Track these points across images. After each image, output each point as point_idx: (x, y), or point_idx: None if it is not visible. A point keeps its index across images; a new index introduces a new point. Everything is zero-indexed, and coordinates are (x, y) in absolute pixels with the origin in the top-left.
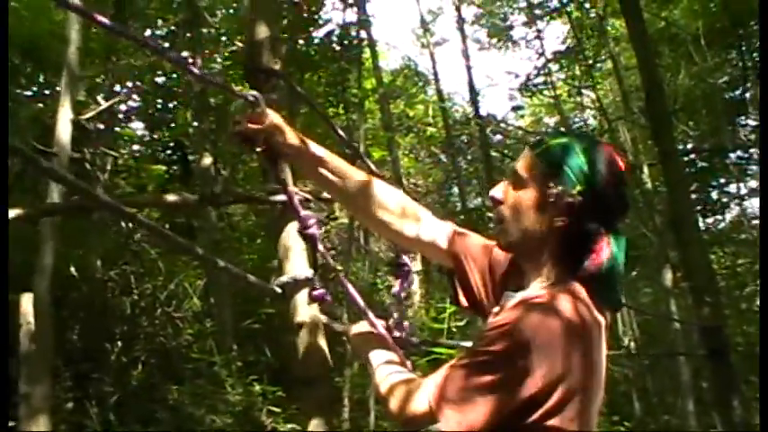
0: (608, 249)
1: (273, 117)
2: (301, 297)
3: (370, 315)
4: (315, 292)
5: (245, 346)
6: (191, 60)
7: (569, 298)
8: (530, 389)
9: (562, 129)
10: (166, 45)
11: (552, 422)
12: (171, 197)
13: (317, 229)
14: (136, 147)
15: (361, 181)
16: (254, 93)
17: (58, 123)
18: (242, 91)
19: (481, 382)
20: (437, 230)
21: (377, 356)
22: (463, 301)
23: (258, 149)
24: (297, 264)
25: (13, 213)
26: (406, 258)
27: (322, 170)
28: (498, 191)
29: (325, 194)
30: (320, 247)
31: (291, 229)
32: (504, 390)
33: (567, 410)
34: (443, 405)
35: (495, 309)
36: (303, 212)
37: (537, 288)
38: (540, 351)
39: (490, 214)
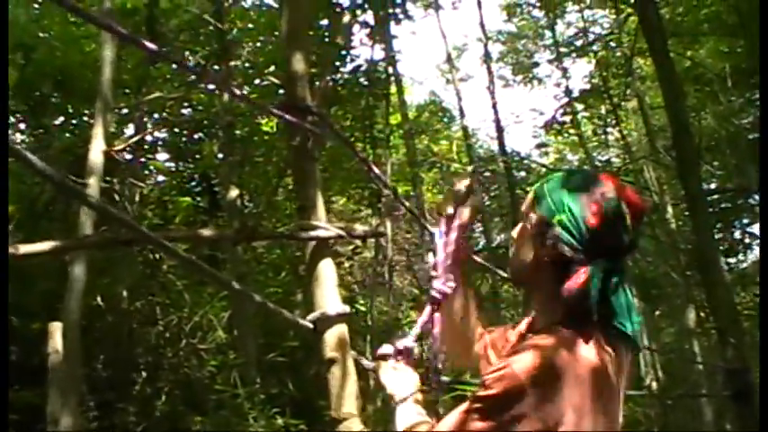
0: (583, 279)
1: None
2: (332, 332)
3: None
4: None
5: (269, 379)
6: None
7: (568, 338)
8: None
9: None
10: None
11: None
12: (207, 232)
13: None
14: (161, 177)
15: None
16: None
17: (90, 153)
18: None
19: (476, 430)
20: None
21: (401, 393)
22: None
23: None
24: (329, 299)
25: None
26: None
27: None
28: (515, 230)
29: (357, 230)
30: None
31: (324, 265)
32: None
33: None
34: None
35: None
36: (445, 275)
37: (541, 326)
38: (535, 395)
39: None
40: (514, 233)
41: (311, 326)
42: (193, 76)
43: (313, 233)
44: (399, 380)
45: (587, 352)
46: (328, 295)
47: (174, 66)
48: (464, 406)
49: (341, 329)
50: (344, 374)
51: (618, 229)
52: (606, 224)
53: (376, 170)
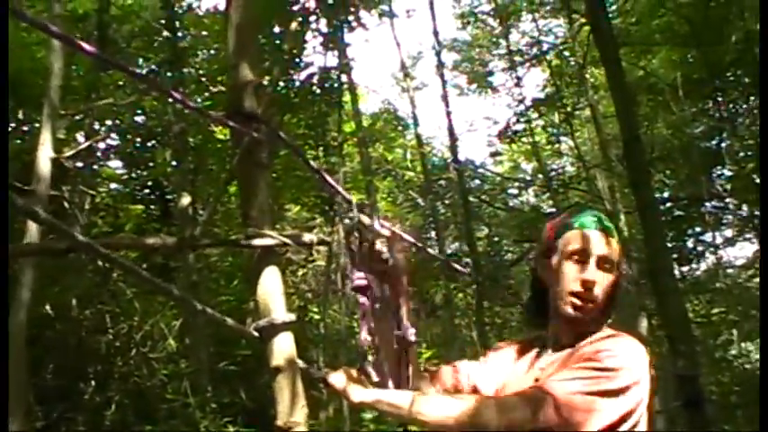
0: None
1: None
2: (279, 341)
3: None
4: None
5: (221, 388)
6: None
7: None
8: (635, 400)
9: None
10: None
11: (637, 429)
12: (150, 240)
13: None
14: (114, 186)
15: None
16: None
17: (37, 161)
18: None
19: (601, 391)
20: (450, 381)
21: (386, 393)
22: None
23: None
24: (275, 307)
25: None
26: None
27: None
28: (592, 274)
29: (304, 239)
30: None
31: (269, 273)
32: (619, 398)
33: (644, 419)
34: (558, 413)
35: (553, 356)
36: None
37: (597, 336)
38: (640, 371)
39: (467, 260)
40: (599, 280)
41: (256, 334)
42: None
43: (257, 241)
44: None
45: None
46: (274, 303)
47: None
48: (574, 374)
49: (287, 337)
50: (291, 383)
51: None
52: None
53: (327, 177)
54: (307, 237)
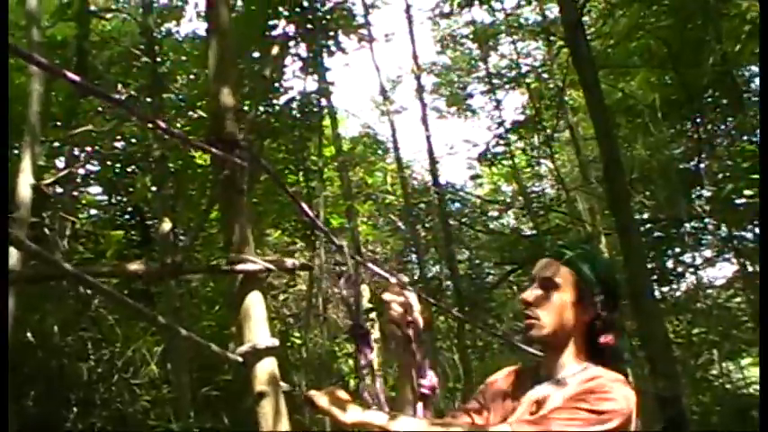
0: (618, 340)
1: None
2: (262, 365)
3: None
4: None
5: (203, 413)
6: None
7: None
8: None
9: (520, 199)
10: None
11: None
12: (133, 266)
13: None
14: (94, 212)
15: None
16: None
17: (18, 187)
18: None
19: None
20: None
21: (375, 415)
22: None
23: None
24: (258, 332)
25: None
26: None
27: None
28: (530, 294)
29: (287, 264)
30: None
31: (253, 298)
32: None
33: None
34: None
35: (536, 391)
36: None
37: (580, 368)
38: (628, 414)
39: (448, 283)
40: (537, 299)
41: (240, 359)
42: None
43: (240, 266)
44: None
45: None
46: (257, 328)
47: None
48: (554, 410)
49: (270, 362)
50: (275, 407)
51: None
52: (619, 288)
53: (303, 205)
54: (289, 262)
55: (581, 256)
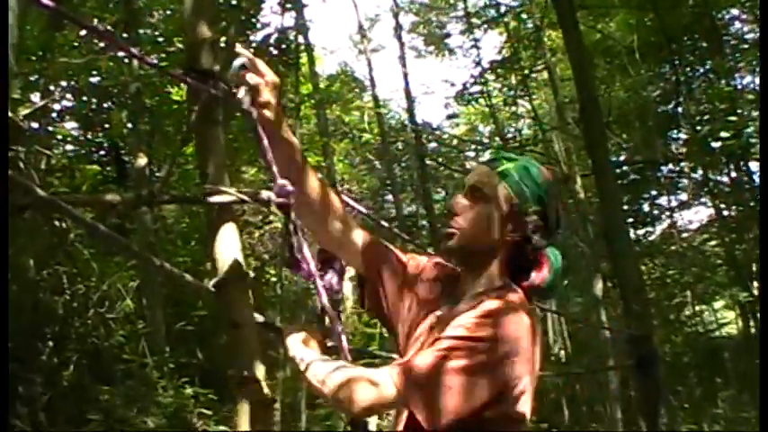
0: (550, 263)
1: (272, 75)
2: (235, 296)
3: (324, 300)
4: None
5: (178, 348)
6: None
7: (524, 301)
8: (507, 376)
9: (497, 140)
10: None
11: (516, 408)
12: (108, 197)
13: (291, 200)
14: (69, 147)
15: (311, 172)
16: (245, 55)
17: None
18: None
19: (460, 366)
20: (358, 236)
21: (310, 352)
22: (366, 304)
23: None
24: (231, 263)
25: None
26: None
27: (292, 149)
28: (456, 203)
29: (262, 195)
30: (293, 217)
31: (227, 230)
32: (484, 374)
33: (526, 398)
34: (416, 390)
35: (437, 314)
36: (280, 180)
37: (485, 290)
38: (517, 343)
39: (424, 222)
40: (462, 208)
41: (213, 290)
42: (101, 43)
43: (215, 198)
44: (306, 344)
45: (533, 312)
46: (231, 259)
47: (82, 32)
48: (442, 345)
49: (244, 294)
50: (248, 339)
51: (562, 213)
52: (559, 211)
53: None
54: (264, 194)
55: (519, 168)
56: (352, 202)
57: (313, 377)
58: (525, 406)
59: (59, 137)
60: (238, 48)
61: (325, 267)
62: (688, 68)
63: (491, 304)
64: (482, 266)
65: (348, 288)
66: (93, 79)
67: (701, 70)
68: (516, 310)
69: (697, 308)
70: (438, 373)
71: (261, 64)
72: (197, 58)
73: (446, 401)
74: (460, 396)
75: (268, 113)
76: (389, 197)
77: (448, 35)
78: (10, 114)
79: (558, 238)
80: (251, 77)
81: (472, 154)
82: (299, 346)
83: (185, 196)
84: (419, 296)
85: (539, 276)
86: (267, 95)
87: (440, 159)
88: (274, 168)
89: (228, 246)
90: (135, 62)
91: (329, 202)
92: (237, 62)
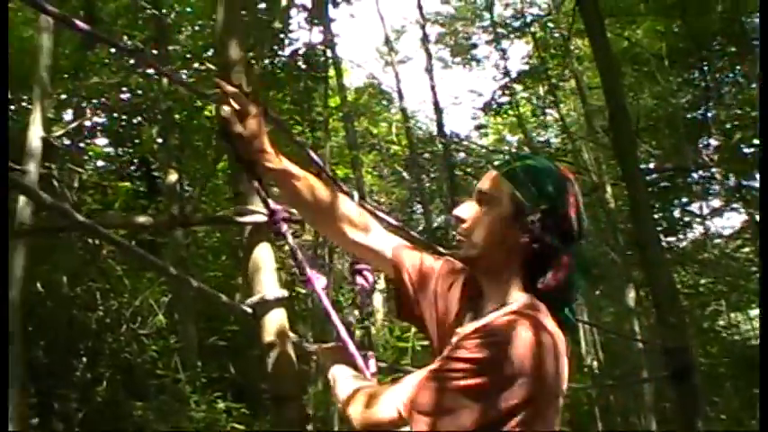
0: (567, 266)
1: (255, 116)
2: (271, 316)
3: (334, 317)
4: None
5: (210, 363)
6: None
7: (542, 319)
8: (511, 398)
9: (525, 149)
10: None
11: (526, 430)
12: (142, 218)
13: (283, 225)
14: (100, 163)
15: (317, 188)
16: (233, 89)
17: (28, 140)
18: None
19: (456, 387)
20: (385, 241)
21: (341, 369)
22: (400, 312)
23: (238, 148)
24: (267, 283)
25: None
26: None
27: (284, 177)
28: (462, 210)
29: (295, 214)
30: (290, 239)
31: (262, 249)
32: (485, 397)
33: (540, 420)
34: (416, 412)
35: (463, 329)
36: (272, 206)
37: (506, 308)
38: (523, 362)
39: (454, 232)
40: (469, 214)
41: (250, 311)
42: (131, 60)
43: (249, 218)
44: (339, 365)
45: (557, 327)
46: (266, 280)
47: (112, 50)
48: (439, 367)
49: (280, 314)
50: (284, 358)
51: (582, 215)
52: (577, 212)
53: (313, 154)
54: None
55: (525, 168)
56: (381, 214)
57: (337, 394)
58: (539, 427)
59: (91, 154)
60: (217, 80)
61: (355, 277)
62: (717, 74)
63: (498, 323)
64: (498, 274)
65: (378, 301)
66: (124, 96)
67: (731, 75)
68: (528, 331)
69: (732, 316)
70: (437, 395)
71: (239, 95)
72: (229, 77)
73: (444, 424)
74: (459, 419)
75: (250, 145)
76: (418, 208)
77: (474, 45)
78: (44, 134)
79: (581, 241)
80: (223, 110)
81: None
82: (332, 364)
83: (217, 217)
84: (452, 299)
85: (552, 278)
86: (244, 127)
87: (468, 170)
88: (262, 195)
89: (263, 266)
90: (165, 79)
91: (344, 212)
92: (213, 97)
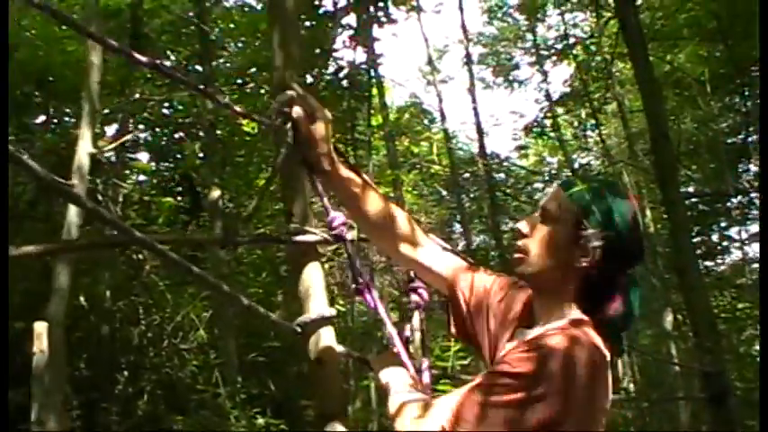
0: (627, 296)
1: (325, 120)
2: (319, 335)
3: (389, 326)
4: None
5: (250, 379)
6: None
7: (589, 335)
8: (546, 413)
9: (566, 172)
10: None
11: None
12: (196, 235)
13: (345, 231)
14: (141, 178)
15: (377, 199)
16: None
17: (77, 155)
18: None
19: (499, 401)
20: (440, 259)
21: (395, 379)
22: (453, 329)
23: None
24: (317, 302)
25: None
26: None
27: (347, 184)
28: (524, 224)
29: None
30: (350, 247)
31: (312, 269)
32: (520, 410)
33: None
34: (458, 427)
35: (511, 344)
36: (332, 213)
37: (554, 323)
38: (561, 380)
39: (494, 253)
40: (530, 230)
41: (298, 329)
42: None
43: (302, 237)
44: (395, 371)
45: (601, 349)
46: (316, 299)
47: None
48: (481, 382)
49: (328, 332)
50: (331, 376)
51: (642, 243)
52: (639, 239)
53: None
54: (350, 235)
55: (591, 190)
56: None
57: (388, 405)
58: None
59: (136, 169)
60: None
61: (410, 295)
62: (758, 100)
63: (544, 339)
64: (552, 294)
65: (416, 319)
66: (166, 110)
67: None
68: (573, 346)
69: None
70: (480, 409)
71: (310, 99)
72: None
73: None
74: (499, 428)
75: (316, 149)
76: (457, 227)
77: (516, 66)
78: (93, 150)
79: (637, 270)
80: (295, 111)
81: (541, 185)
82: (388, 375)
83: (271, 236)
84: (506, 316)
85: (611, 308)
86: (312, 130)
87: (508, 191)
88: (324, 201)
89: (313, 285)
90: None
91: (402, 226)
92: (283, 96)
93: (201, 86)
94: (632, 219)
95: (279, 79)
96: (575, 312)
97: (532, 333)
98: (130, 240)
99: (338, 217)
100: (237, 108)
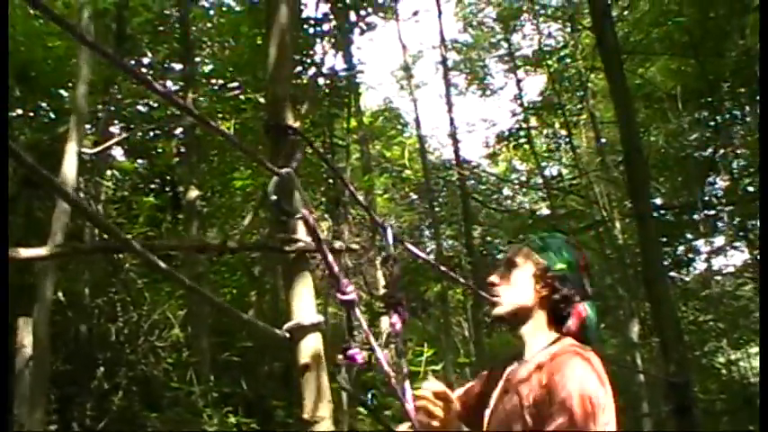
0: (585, 312)
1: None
2: (307, 341)
3: (407, 392)
4: (349, 352)
5: (222, 378)
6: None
7: (582, 347)
8: (608, 420)
9: (537, 179)
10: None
11: None
12: (191, 242)
13: (355, 296)
14: (117, 173)
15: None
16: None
17: (65, 155)
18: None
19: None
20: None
21: None
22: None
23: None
24: (305, 309)
25: (47, 251)
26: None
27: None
28: (495, 277)
29: (335, 245)
30: (357, 313)
31: (302, 277)
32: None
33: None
34: None
35: (507, 371)
36: (343, 279)
37: (541, 349)
38: (597, 390)
39: (465, 258)
40: (501, 279)
41: (287, 335)
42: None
43: (294, 246)
44: None
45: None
46: (305, 306)
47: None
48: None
49: (315, 338)
50: (318, 380)
51: (589, 278)
52: (587, 271)
53: (352, 188)
54: (337, 244)
55: (543, 238)
56: (414, 250)
57: None
58: None
59: (118, 168)
60: (430, 382)
61: (389, 311)
62: (728, 115)
63: (560, 370)
64: (530, 322)
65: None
66: (141, 108)
67: (741, 117)
68: (585, 364)
69: (732, 355)
70: None
71: (447, 393)
72: (278, 114)
73: None
74: None
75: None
76: (427, 232)
77: (489, 75)
78: (83, 149)
79: (591, 295)
80: (420, 422)
81: (509, 193)
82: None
83: (264, 245)
84: (492, 387)
85: (574, 324)
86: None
87: (478, 197)
88: (335, 269)
89: (303, 292)
90: (190, 94)
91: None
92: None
93: (195, 112)
94: (578, 258)
95: (272, 93)
96: (552, 334)
97: (534, 359)
98: (125, 247)
99: (347, 283)
100: (237, 142)
